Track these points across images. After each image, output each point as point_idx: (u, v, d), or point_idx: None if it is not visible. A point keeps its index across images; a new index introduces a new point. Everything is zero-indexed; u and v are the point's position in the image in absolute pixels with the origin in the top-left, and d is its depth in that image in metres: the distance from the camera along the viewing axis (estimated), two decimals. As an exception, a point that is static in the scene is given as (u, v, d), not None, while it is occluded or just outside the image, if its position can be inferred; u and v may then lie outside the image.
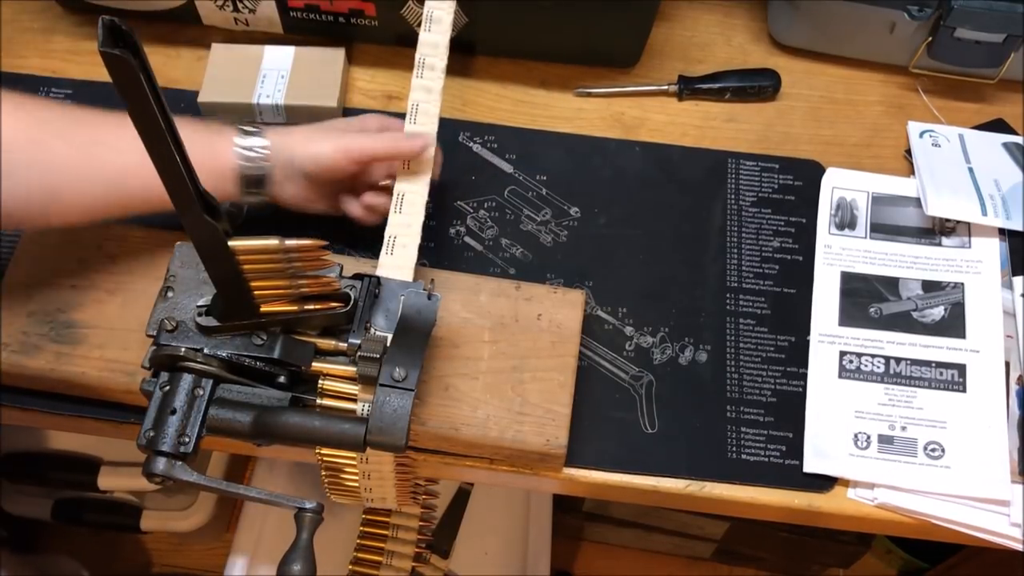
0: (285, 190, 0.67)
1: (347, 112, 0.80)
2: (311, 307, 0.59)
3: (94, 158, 0.61)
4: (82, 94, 0.81)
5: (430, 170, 0.69)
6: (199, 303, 0.58)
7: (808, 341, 0.72)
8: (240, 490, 0.56)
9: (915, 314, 0.72)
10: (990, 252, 0.74)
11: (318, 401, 0.60)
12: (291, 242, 0.55)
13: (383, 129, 0.70)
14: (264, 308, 0.58)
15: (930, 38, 0.79)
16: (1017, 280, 0.72)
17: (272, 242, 0.54)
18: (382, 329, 0.60)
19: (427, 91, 0.68)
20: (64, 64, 0.83)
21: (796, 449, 0.68)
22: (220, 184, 0.64)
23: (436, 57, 0.68)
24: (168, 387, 0.56)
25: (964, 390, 0.69)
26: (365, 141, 0.67)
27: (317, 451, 0.65)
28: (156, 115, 0.40)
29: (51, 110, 0.63)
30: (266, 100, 0.78)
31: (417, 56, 0.68)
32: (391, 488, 0.68)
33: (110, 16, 0.37)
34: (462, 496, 1.18)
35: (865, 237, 0.76)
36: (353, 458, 0.65)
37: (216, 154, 0.64)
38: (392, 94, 0.82)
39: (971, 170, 0.77)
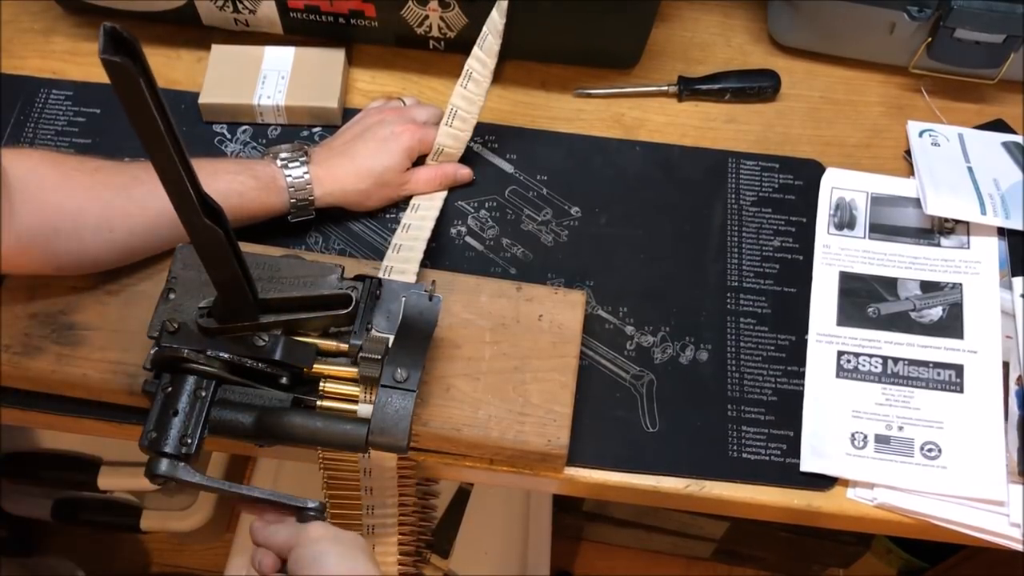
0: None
1: (347, 113, 0.80)
2: (313, 308, 0.60)
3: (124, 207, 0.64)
4: (82, 95, 0.81)
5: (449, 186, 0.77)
6: (201, 305, 0.59)
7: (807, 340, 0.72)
8: (243, 490, 0.56)
9: (913, 314, 0.72)
10: (989, 253, 0.74)
11: (320, 402, 0.60)
12: (324, 344, 0.60)
13: (431, 119, 0.75)
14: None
15: (930, 38, 0.79)
16: (1016, 280, 0.73)
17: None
18: (383, 330, 0.61)
19: (468, 101, 0.73)
20: (64, 65, 0.83)
21: (797, 448, 0.68)
22: (279, 201, 0.69)
23: (482, 75, 0.72)
24: (170, 388, 0.56)
25: (961, 391, 0.69)
26: (414, 187, 0.74)
27: (321, 462, 0.65)
28: (157, 121, 0.40)
29: (85, 163, 0.65)
30: (267, 101, 0.78)
31: (465, 67, 0.72)
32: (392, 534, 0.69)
33: (111, 22, 0.37)
34: (462, 496, 1.18)
35: (864, 237, 0.76)
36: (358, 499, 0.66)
37: (275, 177, 0.69)
38: (392, 95, 0.82)
39: (970, 169, 0.78)
